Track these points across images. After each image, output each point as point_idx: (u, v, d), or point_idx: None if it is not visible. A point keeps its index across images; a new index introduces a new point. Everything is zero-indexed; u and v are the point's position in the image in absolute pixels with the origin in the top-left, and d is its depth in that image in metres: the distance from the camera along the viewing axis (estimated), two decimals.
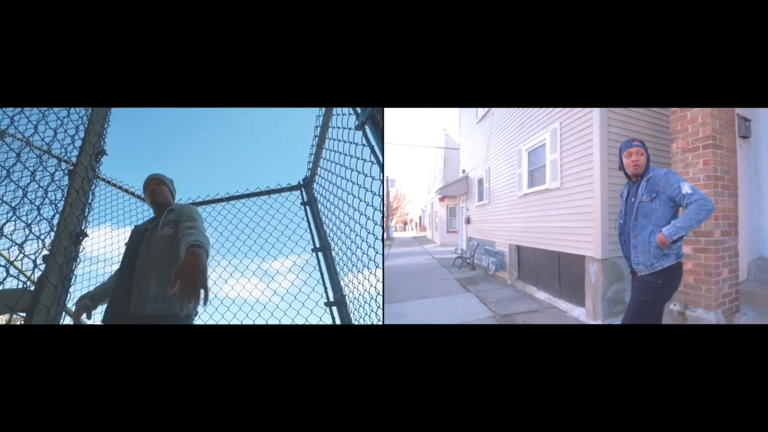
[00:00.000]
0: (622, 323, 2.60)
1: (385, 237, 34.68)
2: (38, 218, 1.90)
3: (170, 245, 2.43)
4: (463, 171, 14.53)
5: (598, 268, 5.24)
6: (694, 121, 3.99)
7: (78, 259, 2.15)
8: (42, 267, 1.83)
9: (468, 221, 13.84)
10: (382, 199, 2.13)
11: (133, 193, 4.59)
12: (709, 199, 2.40)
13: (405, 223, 69.71)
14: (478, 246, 11.26)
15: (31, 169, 2.08)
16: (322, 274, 3.78)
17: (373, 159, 2.08)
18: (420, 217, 47.13)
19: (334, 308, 3.60)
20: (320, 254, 3.80)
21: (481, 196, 11.79)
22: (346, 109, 2.42)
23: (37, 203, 1.96)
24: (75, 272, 2.16)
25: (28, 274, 1.92)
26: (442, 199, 21.42)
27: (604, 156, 5.19)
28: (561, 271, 6.50)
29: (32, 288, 1.82)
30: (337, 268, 3.76)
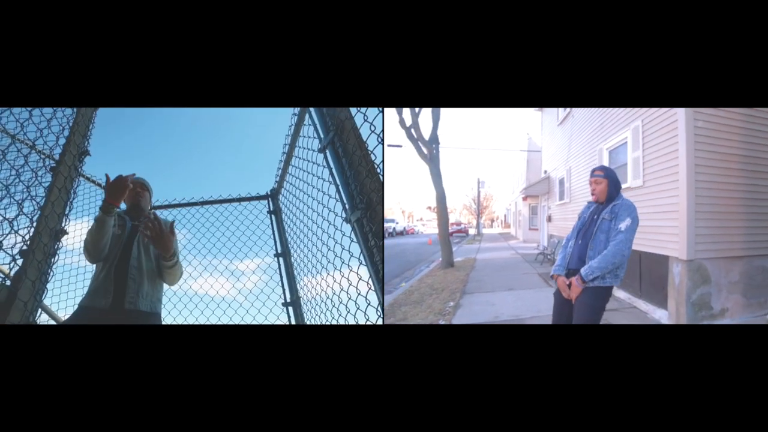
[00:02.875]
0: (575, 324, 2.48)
1: (476, 233, 35.38)
2: (19, 213, 1.80)
3: (154, 252, 2.47)
4: (545, 172, 14.13)
5: (682, 269, 4.59)
6: None
7: (56, 256, 2.05)
8: (20, 262, 1.74)
9: (549, 219, 13.44)
10: (381, 205, 2.03)
11: None
12: (627, 244, 2.40)
13: (492, 221, 69.63)
14: (558, 243, 10.81)
15: (14, 164, 1.98)
16: (281, 277, 3.79)
17: (331, 180, 2.06)
18: (504, 215, 46.91)
19: (290, 308, 3.66)
20: (281, 259, 3.84)
21: (562, 195, 11.26)
22: (311, 130, 2.38)
23: (19, 198, 1.87)
24: (53, 269, 2.07)
25: (5, 269, 1.82)
26: (525, 199, 21.15)
27: (690, 152, 4.53)
28: (642, 270, 5.83)
29: (8, 283, 1.73)
30: (295, 272, 3.76)
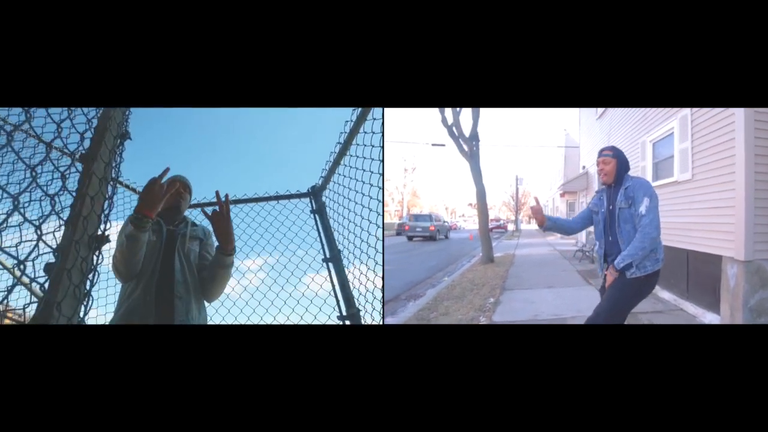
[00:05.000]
0: (592, 322, 2.36)
1: (515, 229, 35.13)
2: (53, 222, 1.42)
3: (198, 264, 2.03)
4: (583, 167, 13.42)
5: (739, 271, 3.90)
6: None
7: (96, 268, 1.56)
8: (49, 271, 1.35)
9: None
10: (382, 203, 1.96)
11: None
12: (653, 226, 2.28)
13: (529, 217, 68.56)
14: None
15: (51, 169, 1.61)
16: (333, 287, 2.92)
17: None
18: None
19: (347, 322, 2.77)
20: (330, 265, 2.98)
21: None
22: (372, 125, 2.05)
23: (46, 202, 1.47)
24: (94, 281, 1.56)
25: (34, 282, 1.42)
26: (562, 195, 20.37)
27: (750, 141, 3.83)
28: (690, 270, 5.12)
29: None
30: (350, 277, 2.92)
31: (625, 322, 2.46)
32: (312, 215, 3.20)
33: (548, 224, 2.61)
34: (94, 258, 1.51)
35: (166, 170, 1.81)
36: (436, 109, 10.81)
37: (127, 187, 3.49)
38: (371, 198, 2.09)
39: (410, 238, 20.88)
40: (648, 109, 6.54)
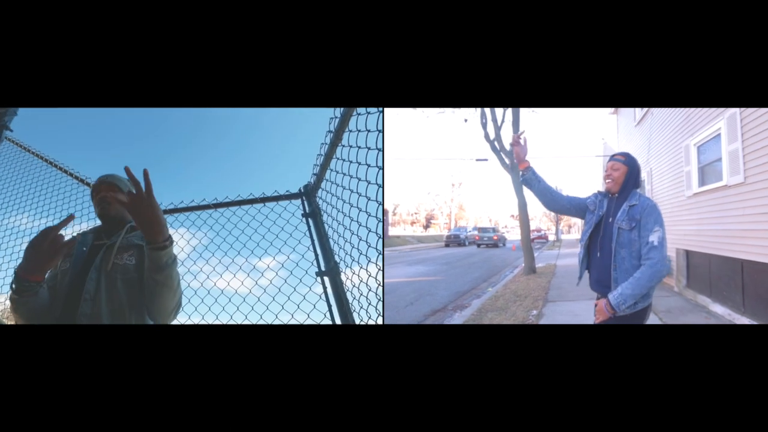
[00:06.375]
0: None
1: (555, 239, 34.26)
2: None
3: (130, 283, 1.52)
4: None
5: None
6: None
7: None
8: None
9: None
10: (382, 205, 1.75)
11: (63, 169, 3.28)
12: (665, 261, 1.91)
13: (569, 227, 67.77)
14: None
15: None
16: (330, 306, 2.32)
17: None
18: (582, 221, 45.30)
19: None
20: (326, 279, 2.36)
21: None
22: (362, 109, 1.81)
23: None
24: None
25: None
26: None
27: None
28: (745, 282, 4.57)
29: None
30: (348, 295, 2.33)
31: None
32: (303, 219, 2.61)
33: (528, 175, 2.20)
34: None
35: (70, 218, 1.44)
36: (479, 126, 11.07)
37: (77, 178, 3.19)
38: (369, 199, 1.80)
39: (478, 246, 25.78)
40: (691, 110, 6.02)
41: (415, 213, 59.17)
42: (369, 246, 1.89)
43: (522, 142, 2.19)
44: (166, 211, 2.97)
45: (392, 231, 34.79)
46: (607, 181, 2.10)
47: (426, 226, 57.88)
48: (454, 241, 27.37)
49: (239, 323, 2.57)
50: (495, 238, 25.59)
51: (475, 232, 28.13)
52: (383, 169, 1.67)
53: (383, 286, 1.91)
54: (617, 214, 2.01)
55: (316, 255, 2.46)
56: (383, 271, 1.77)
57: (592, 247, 2.12)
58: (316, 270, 2.41)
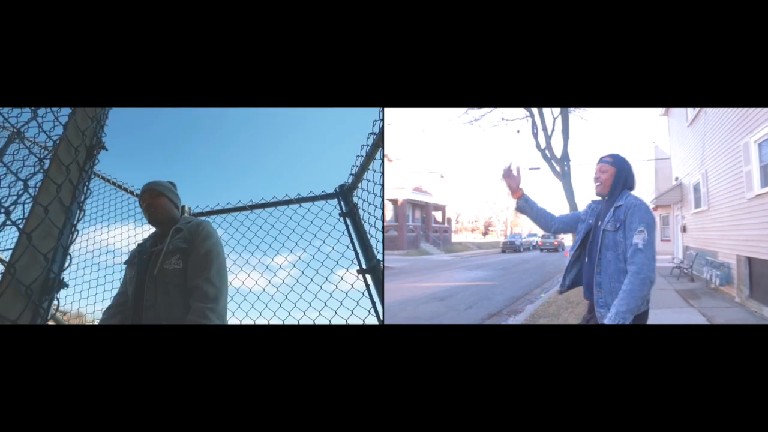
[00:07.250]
0: None
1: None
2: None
3: (179, 287, 1.60)
4: (676, 179, 12.11)
5: None
6: None
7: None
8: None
9: (684, 230, 11.26)
10: (382, 206, 1.86)
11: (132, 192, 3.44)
12: (650, 266, 1.76)
13: None
14: (697, 256, 8.90)
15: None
16: (373, 303, 2.30)
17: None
18: None
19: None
20: (368, 277, 2.33)
21: (698, 202, 9.11)
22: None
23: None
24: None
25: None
26: (655, 209, 18.58)
27: None
28: None
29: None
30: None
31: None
32: (341, 219, 2.63)
33: (521, 203, 2.16)
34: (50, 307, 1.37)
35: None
36: (531, 135, 11.49)
37: (125, 189, 3.31)
38: (375, 207, 1.91)
39: (541, 250, 27.30)
40: (748, 107, 5.56)
41: (475, 221, 59.09)
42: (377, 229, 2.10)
43: (515, 173, 2.16)
44: (202, 214, 3.09)
45: (455, 238, 35.47)
46: (596, 184, 2.04)
47: (484, 233, 57.53)
48: (510, 247, 28.04)
49: (243, 324, 2.69)
50: (556, 243, 27.13)
51: (537, 238, 29.99)
52: (383, 172, 1.72)
53: (383, 286, 1.94)
54: (605, 218, 1.94)
55: (356, 253, 2.51)
56: (383, 271, 1.79)
57: (582, 254, 2.07)
58: (357, 268, 2.46)
